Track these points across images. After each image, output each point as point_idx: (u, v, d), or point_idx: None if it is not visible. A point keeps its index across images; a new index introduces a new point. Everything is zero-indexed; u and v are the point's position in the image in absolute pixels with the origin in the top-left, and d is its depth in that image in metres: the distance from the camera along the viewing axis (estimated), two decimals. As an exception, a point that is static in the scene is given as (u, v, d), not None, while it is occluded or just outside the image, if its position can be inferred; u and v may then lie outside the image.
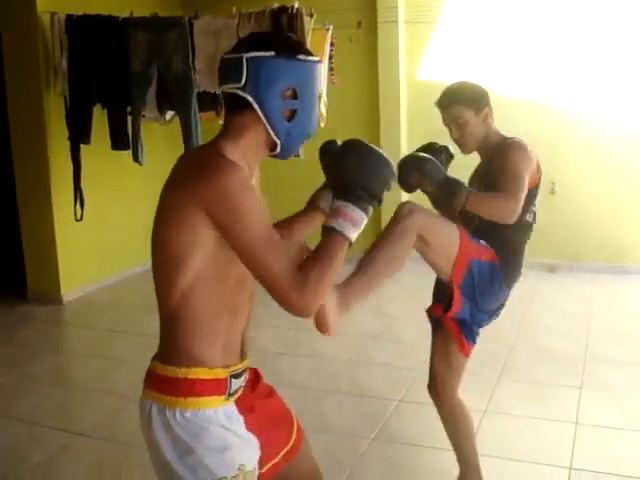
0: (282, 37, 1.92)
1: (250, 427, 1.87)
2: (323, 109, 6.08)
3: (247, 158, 1.82)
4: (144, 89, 5.72)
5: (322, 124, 6.13)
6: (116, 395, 4.47)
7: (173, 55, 5.58)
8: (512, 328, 5.34)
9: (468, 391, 4.24)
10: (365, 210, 1.80)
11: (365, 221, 1.81)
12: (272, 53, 1.75)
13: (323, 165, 2.07)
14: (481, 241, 2.84)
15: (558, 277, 6.81)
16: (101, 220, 6.69)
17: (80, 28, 5.81)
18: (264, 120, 1.77)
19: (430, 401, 4.23)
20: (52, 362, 5.08)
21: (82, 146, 6.08)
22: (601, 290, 6.38)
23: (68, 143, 6.08)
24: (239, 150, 1.79)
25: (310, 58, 1.82)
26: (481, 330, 3.04)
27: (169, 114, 6.15)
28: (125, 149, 6.03)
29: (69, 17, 5.83)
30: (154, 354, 1.93)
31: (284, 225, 2.22)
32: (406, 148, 7.01)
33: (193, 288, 1.77)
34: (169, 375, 1.83)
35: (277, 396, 2.15)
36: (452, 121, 2.92)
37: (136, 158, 5.95)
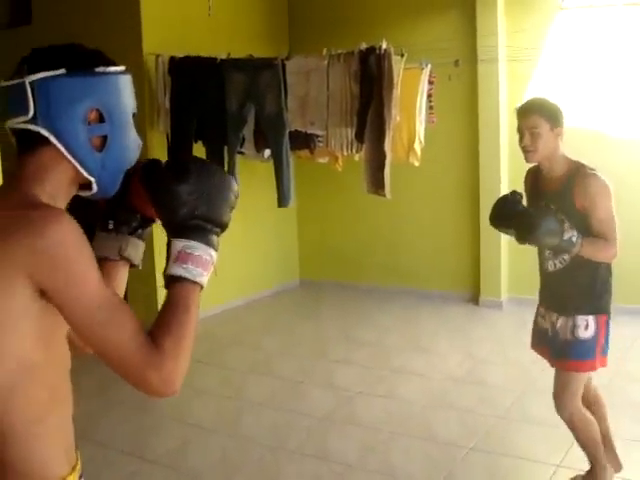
0: (73, 48, 1.48)
1: None
2: (418, 148, 6.06)
3: (58, 205, 1.42)
4: (239, 128, 5.90)
5: (416, 163, 6.13)
6: (190, 425, 4.57)
7: (267, 95, 5.74)
8: (601, 378, 5.09)
9: (543, 442, 4.10)
10: (214, 246, 1.49)
11: (215, 257, 1.50)
12: (62, 70, 1.40)
13: (148, 193, 1.52)
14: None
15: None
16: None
17: (182, 69, 6.08)
18: (68, 155, 1.41)
19: (502, 451, 4.12)
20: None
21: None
22: None
23: (169, 178, 6.32)
24: (46, 197, 1.40)
25: (112, 69, 1.46)
26: None
27: (267, 152, 6.30)
28: (222, 185, 6.20)
29: (172, 59, 6.12)
30: None
31: None
32: (507, 188, 6.87)
33: (16, 385, 1.36)
34: None
35: None
36: (528, 129, 3.16)
37: (231, 194, 6.10)
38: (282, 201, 5.88)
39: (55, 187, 1.43)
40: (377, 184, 5.43)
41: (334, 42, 5.97)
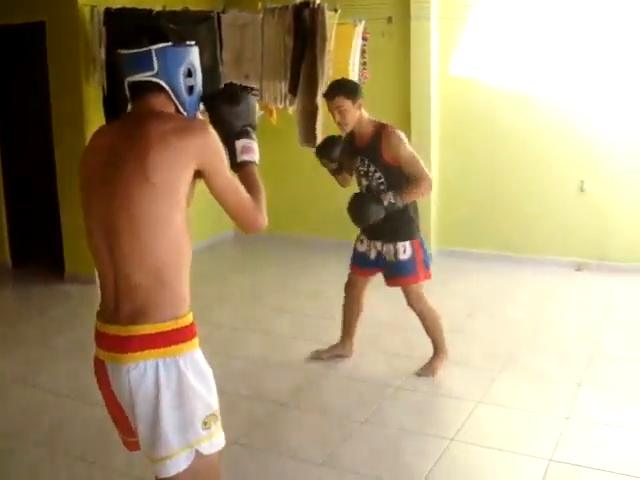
0: (170, 29, 2.26)
1: None
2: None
3: None
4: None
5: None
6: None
7: (202, 48, 5.72)
8: (525, 323, 5.40)
9: (465, 381, 4.36)
10: (255, 139, 2.36)
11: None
12: (169, 43, 2.12)
13: (214, 115, 2.35)
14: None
15: (584, 275, 6.75)
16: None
17: (117, 20, 6.06)
18: (175, 99, 2.16)
19: (427, 389, 4.37)
20: (75, 336, 5.35)
21: (117, 134, 6.32)
22: (626, 290, 6.31)
23: (105, 131, 6.34)
24: None
25: (191, 42, 2.22)
26: None
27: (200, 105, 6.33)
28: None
29: (107, 10, 6.08)
30: (121, 318, 2.07)
31: None
32: (437, 143, 7.08)
33: (183, 228, 2.07)
34: (174, 327, 2.05)
35: None
36: (336, 108, 4.11)
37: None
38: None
39: None
40: (309, 137, 5.56)
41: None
